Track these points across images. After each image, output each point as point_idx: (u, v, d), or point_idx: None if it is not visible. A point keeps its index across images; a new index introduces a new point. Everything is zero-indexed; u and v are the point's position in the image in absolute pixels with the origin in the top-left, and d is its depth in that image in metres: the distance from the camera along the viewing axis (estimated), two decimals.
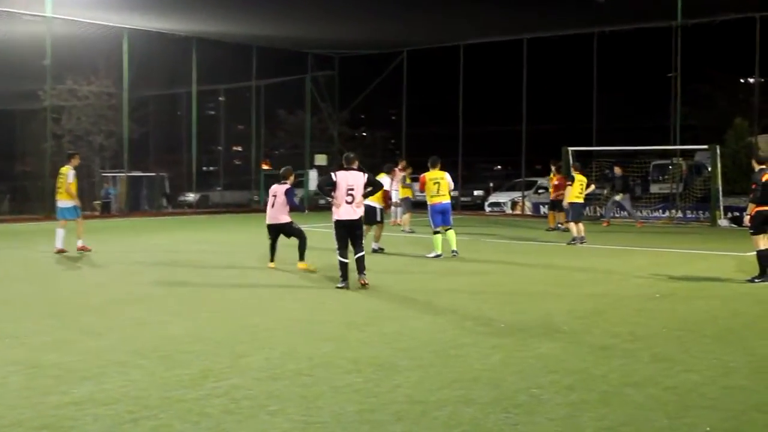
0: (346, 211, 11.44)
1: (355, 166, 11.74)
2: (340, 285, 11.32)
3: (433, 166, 16.21)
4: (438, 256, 15.69)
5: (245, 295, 11.13)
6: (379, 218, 16.84)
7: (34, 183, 34.77)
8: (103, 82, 35.46)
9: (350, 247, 11.59)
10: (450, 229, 16.03)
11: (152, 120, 43.04)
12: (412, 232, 22.07)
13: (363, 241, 11.73)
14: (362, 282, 11.38)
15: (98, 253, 16.93)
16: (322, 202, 35.08)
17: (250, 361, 7.17)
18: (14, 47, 30.74)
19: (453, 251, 15.74)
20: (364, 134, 49.06)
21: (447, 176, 16.23)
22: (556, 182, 24.10)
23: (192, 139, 36.00)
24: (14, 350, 7.59)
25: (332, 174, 11.70)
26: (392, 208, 25.93)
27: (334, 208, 11.60)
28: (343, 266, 11.40)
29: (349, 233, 11.53)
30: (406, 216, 23.31)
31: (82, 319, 9.24)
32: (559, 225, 23.01)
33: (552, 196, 24.30)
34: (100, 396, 6.07)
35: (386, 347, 7.75)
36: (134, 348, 7.65)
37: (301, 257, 13.70)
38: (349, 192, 11.43)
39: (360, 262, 11.52)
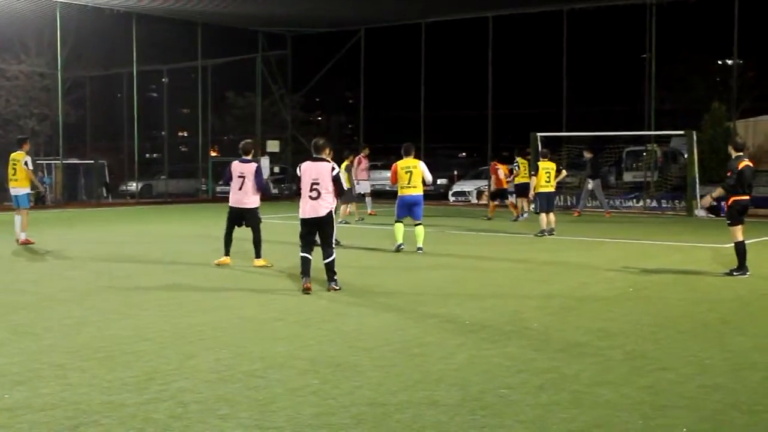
0: (312, 207, 10.90)
1: (325, 155, 11.15)
2: (304, 283, 10.82)
3: (407, 154, 15.73)
4: (400, 246, 15.67)
5: (192, 292, 11.07)
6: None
7: None
8: (35, 61, 34.96)
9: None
10: (419, 224, 15.72)
11: (89, 103, 42.54)
12: (347, 223, 22.09)
13: (333, 241, 11.17)
14: (332, 289, 10.88)
15: (32, 247, 16.74)
16: (274, 191, 35.00)
17: (198, 362, 7.15)
18: None
19: (418, 248, 15.58)
20: (320, 119, 49.00)
21: (421, 165, 15.63)
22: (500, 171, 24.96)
23: (133, 124, 35.63)
24: None
25: (298, 168, 11.23)
26: (366, 198, 26.03)
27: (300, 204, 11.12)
28: (305, 262, 10.94)
29: (314, 233, 11.08)
30: (344, 207, 22.88)
31: (14, 318, 9.14)
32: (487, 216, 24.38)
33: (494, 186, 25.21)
34: (36, 402, 6.01)
35: (345, 346, 7.78)
36: (72, 349, 7.60)
37: (258, 254, 13.59)
38: (314, 186, 10.85)
39: (329, 267, 10.95)
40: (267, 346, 7.77)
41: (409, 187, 15.60)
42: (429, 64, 35.88)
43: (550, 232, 19.09)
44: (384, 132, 41.00)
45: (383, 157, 38.61)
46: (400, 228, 15.84)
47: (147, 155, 48.51)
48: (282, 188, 37.69)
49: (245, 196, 13.48)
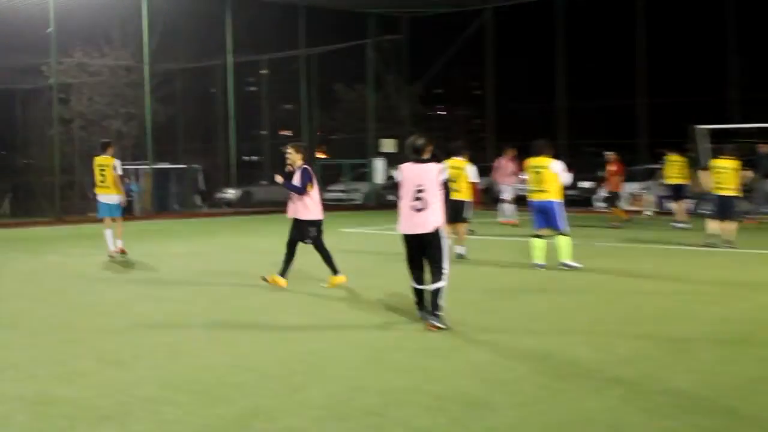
0: (416, 221, 10.05)
1: (427, 156, 10.29)
2: (419, 314, 10.26)
3: (538, 153, 15.41)
4: (537, 265, 15.46)
5: (298, 315, 11.16)
6: (465, 215, 17.04)
7: (40, 179, 35.46)
8: (120, 53, 35.85)
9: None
10: (562, 234, 15.31)
11: (180, 99, 43.56)
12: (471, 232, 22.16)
13: (444, 264, 10.04)
14: (431, 327, 9.83)
15: (119, 264, 17.25)
16: (390, 198, 35.13)
17: (306, 396, 7.17)
18: (11, 12, 31.27)
19: (563, 263, 15.34)
20: (442, 113, 49.04)
21: (555, 165, 15.17)
22: (613, 168, 24.81)
23: (230, 123, 36.28)
24: (20, 383, 7.74)
25: (395, 172, 10.51)
26: (505, 205, 26.04)
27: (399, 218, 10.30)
28: (418, 296, 10.35)
29: (419, 252, 10.19)
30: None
31: (100, 344, 9.38)
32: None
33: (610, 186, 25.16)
34: None
35: (476, 379, 7.68)
36: (165, 380, 7.74)
37: (334, 269, 13.58)
38: (419, 194, 10.03)
39: (434, 297, 9.97)
40: (385, 378, 7.74)
41: (539, 191, 15.29)
42: (568, 47, 35.44)
43: (725, 243, 18.52)
44: (517, 127, 40.66)
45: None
46: (535, 245, 15.55)
47: (245, 158, 49.42)
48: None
49: (300, 205, 13.44)
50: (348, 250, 18.27)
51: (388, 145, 38.66)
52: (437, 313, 9.90)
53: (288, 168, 13.59)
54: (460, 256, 17.09)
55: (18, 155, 43.26)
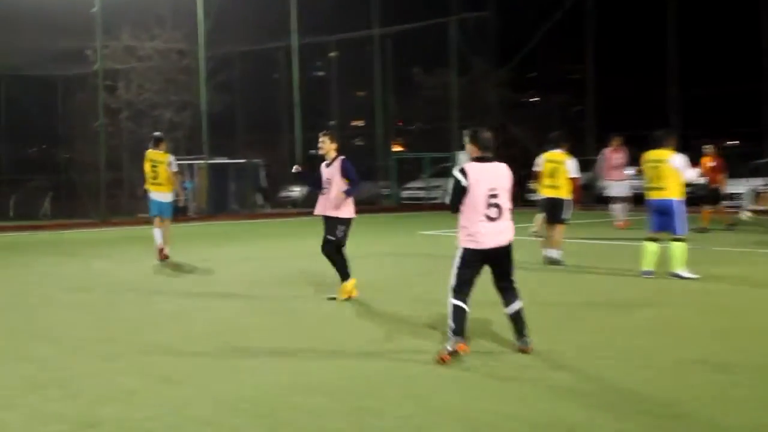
0: (493, 232, 9.45)
1: (490, 153, 9.72)
2: (449, 348, 9.26)
3: (659, 144, 15.15)
4: (647, 274, 15.27)
5: (363, 330, 11.12)
6: (565, 215, 16.92)
7: (84, 176, 35.94)
8: (172, 35, 36.12)
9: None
10: (679, 239, 15.03)
11: (239, 86, 43.85)
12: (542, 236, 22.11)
13: (515, 284, 9.72)
14: (525, 349, 9.54)
15: (171, 271, 17.43)
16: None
17: (378, 421, 7.15)
18: None
19: (673, 273, 15.06)
20: (535, 100, 48.70)
21: (676, 159, 14.89)
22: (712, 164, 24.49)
23: (295, 112, 36.41)
24: (62, 402, 7.84)
25: (458, 174, 9.56)
26: (617, 205, 25.78)
27: (462, 229, 9.55)
28: (460, 314, 9.47)
29: (491, 269, 9.68)
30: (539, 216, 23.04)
31: (150, 361, 9.45)
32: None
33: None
34: None
35: (580, 405, 7.57)
36: (221, 400, 7.78)
37: (344, 275, 13.51)
38: (493, 200, 9.47)
39: (519, 318, 9.66)
40: (467, 402, 7.68)
41: (657, 188, 15.00)
42: (680, 25, 34.95)
43: None
44: (621, 115, 40.24)
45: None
46: (647, 249, 15.30)
47: (312, 152, 49.58)
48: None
49: (331, 203, 13.40)
50: (425, 254, 18.24)
51: None
52: (526, 335, 9.61)
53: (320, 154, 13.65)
54: (555, 262, 16.96)
55: (59, 150, 43.91)
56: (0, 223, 30.83)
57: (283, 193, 39.26)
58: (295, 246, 22.41)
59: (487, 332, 10.52)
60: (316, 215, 13.79)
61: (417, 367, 8.97)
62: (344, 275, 13.47)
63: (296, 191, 38.21)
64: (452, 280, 9.51)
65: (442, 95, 42.04)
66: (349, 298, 13.30)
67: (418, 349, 9.79)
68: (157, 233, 18.83)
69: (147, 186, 19.11)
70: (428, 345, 9.93)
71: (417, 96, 44.91)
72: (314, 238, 23.89)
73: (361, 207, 35.93)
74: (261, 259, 19.56)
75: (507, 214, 9.56)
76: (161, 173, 18.79)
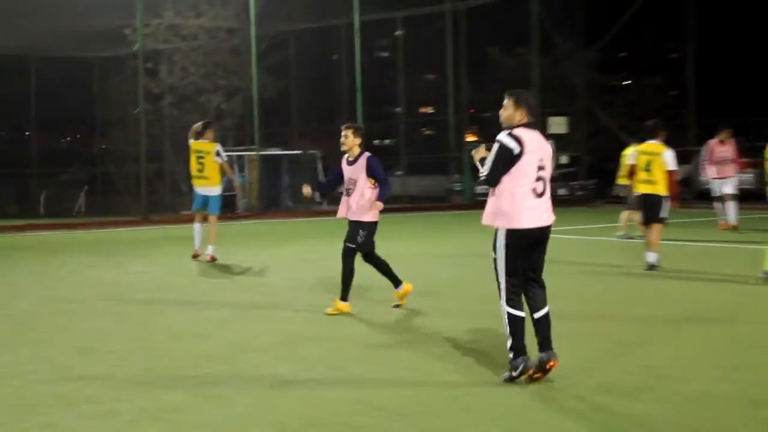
0: (538, 209, 9.14)
1: (533, 120, 9.46)
2: (513, 374, 8.91)
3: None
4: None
5: (429, 343, 11.06)
6: (663, 213, 16.80)
7: (123, 168, 36.25)
8: (220, 12, 36.26)
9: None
10: None
11: (295, 69, 43.97)
12: (629, 237, 21.93)
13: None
14: (553, 364, 8.97)
15: (219, 274, 17.49)
16: (561, 192, 34.75)
17: None
18: None
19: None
20: (627, 83, 48.34)
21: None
22: None
23: (356, 98, 36.43)
24: (98, 422, 7.86)
25: (509, 140, 9.11)
26: (727, 204, 25.48)
27: (500, 208, 9.06)
28: (520, 325, 9.02)
29: (532, 255, 9.22)
30: (626, 213, 22.94)
31: (196, 374, 9.48)
32: None
33: None
34: None
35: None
36: (276, 421, 7.77)
37: (396, 282, 13.46)
38: (540, 173, 9.21)
39: (545, 324, 9.17)
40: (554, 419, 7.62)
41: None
42: None
43: None
44: (726, 101, 39.79)
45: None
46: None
47: (376, 141, 49.65)
48: (573, 187, 37.41)
49: (358, 207, 13.30)
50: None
51: (558, 124, 38.25)
52: (552, 348, 9.05)
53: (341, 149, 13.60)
54: (652, 267, 16.80)
55: (96, 139, 44.31)
56: (29, 221, 31.20)
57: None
58: None
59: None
60: (339, 218, 13.72)
61: (490, 389, 8.89)
62: (395, 280, 13.45)
63: None
64: (501, 281, 9.00)
65: (521, 78, 41.83)
66: (398, 306, 13.35)
67: (488, 365, 9.71)
68: (197, 229, 18.97)
69: (193, 180, 19.25)
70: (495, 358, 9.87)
71: (493, 79, 44.74)
72: (402, 241, 23.98)
73: (431, 204, 35.92)
74: (317, 261, 19.53)
75: (548, 191, 9.32)
76: (208, 165, 18.91)
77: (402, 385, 8.91)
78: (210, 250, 18.94)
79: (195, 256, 19.24)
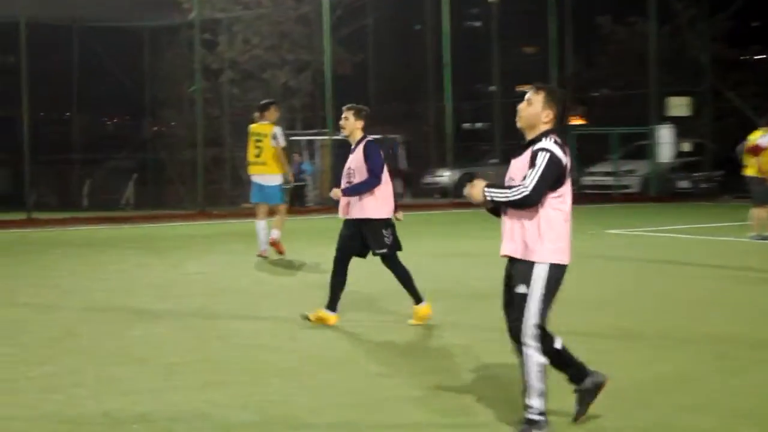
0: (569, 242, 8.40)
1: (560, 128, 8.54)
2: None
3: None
4: None
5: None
6: None
7: (177, 154, 36.43)
8: None
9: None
10: None
11: (373, 41, 43.98)
12: (764, 238, 21.86)
13: None
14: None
15: (285, 272, 17.56)
16: (682, 184, 34.46)
17: None
18: None
19: None
20: (760, 57, 47.81)
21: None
22: None
23: (444, 75, 36.34)
24: None
25: (558, 150, 8.10)
26: None
27: (543, 236, 8.22)
28: (546, 373, 8.25)
29: None
30: (757, 210, 22.64)
31: (261, 391, 9.53)
32: None
33: None
34: None
35: None
36: None
37: (417, 297, 13.14)
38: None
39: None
40: None
41: None
42: None
43: None
44: None
45: None
46: None
47: (466, 125, 49.50)
48: (696, 179, 37.04)
49: (360, 199, 13.12)
50: (615, 258, 18.09)
51: (679, 105, 37.89)
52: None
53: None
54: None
55: (146, 121, 44.57)
56: (71, 214, 31.48)
57: (429, 178, 39.22)
58: (444, 247, 22.37)
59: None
60: (340, 218, 13.55)
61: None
62: (416, 295, 13.13)
63: (446, 175, 38.01)
64: (534, 320, 8.11)
65: (636, 52, 41.53)
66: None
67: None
68: (260, 225, 19.00)
69: (249, 168, 19.30)
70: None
71: (603, 53, 44.46)
72: (466, 239, 23.93)
73: None
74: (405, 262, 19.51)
75: None
76: (266, 149, 18.85)
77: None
78: (275, 234, 19.01)
79: (279, 252, 19.24)
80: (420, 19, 45.26)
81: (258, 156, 18.97)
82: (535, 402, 7.94)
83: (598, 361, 8.66)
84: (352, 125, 13.52)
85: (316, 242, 22.89)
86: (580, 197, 37.12)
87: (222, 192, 34.23)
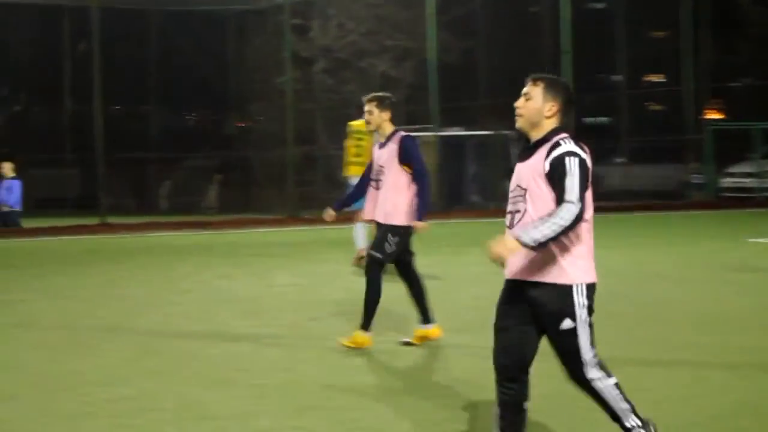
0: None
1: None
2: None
3: None
4: None
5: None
6: None
7: (264, 153, 36.64)
8: None
9: None
10: None
11: (483, 26, 43.98)
12: None
13: None
14: None
15: (386, 287, 17.68)
16: None
17: None
18: None
19: None
20: None
21: None
22: None
23: (562, 63, 36.29)
24: None
25: (583, 152, 7.71)
26: None
27: (577, 253, 7.81)
28: (622, 390, 7.98)
29: None
30: None
31: (356, 416, 9.65)
32: None
33: None
34: None
35: None
36: None
37: (426, 316, 13.09)
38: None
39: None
40: None
41: None
42: None
43: None
44: None
45: None
46: None
47: (588, 119, 49.27)
48: None
49: (387, 202, 12.97)
50: (755, 267, 18.08)
51: None
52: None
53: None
54: None
55: (230, 116, 44.84)
56: (148, 219, 31.78)
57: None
58: None
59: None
60: (367, 220, 13.62)
61: None
62: (424, 314, 13.09)
63: None
64: (591, 352, 7.72)
65: None
66: (409, 343, 12.98)
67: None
68: (359, 228, 19.09)
69: (347, 169, 19.41)
70: None
71: (743, 37, 44.11)
72: (608, 250, 23.71)
73: (661, 202, 35.64)
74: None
75: None
76: (367, 149, 18.94)
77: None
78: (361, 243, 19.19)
79: (360, 257, 19.24)
80: (536, 0, 45.15)
81: (359, 156, 19.05)
82: (633, 421, 7.75)
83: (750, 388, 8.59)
84: (378, 118, 13.19)
85: (419, 250, 22.90)
86: (717, 201, 37.14)
87: (314, 195, 34.33)
